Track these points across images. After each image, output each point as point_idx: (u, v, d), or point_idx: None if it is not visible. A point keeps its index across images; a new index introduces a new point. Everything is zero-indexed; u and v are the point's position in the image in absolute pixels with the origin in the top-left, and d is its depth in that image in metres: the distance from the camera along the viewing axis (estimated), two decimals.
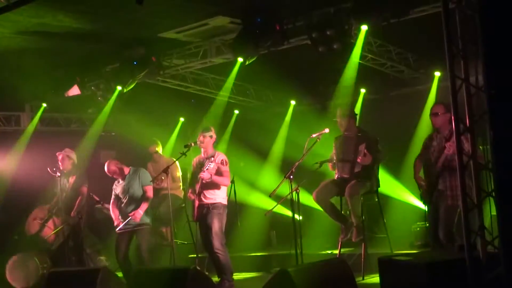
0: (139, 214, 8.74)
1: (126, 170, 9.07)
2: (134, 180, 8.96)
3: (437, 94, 10.29)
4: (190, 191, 8.55)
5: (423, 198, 7.56)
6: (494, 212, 5.40)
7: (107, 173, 9.05)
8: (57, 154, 9.98)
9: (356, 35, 8.69)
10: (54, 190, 10.06)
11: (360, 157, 8.03)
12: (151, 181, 8.98)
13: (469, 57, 5.34)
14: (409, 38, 9.61)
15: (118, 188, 9.06)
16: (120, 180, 9.06)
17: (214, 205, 8.18)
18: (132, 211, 8.76)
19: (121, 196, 8.98)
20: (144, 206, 8.81)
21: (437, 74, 10.27)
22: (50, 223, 9.98)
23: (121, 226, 8.81)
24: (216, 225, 8.13)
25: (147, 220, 8.88)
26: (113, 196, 9.11)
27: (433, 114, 7.48)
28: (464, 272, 5.00)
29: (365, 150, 8.02)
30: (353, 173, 8.22)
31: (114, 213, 9.02)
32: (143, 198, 8.87)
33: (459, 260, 5.15)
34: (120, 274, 8.95)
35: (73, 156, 10.07)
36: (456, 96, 5.26)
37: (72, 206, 9.76)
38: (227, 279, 8.23)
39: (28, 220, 10.31)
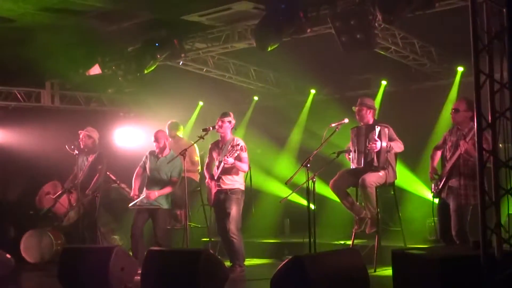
0: (154, 195, 8.82)
1: (167, 150, 9.16)
2: (167, 165, 9.01)
3: (459, 89, 10.24)
4: (208, 176, 8.59)
5: (433, 191, 7.55)
6: (511, 211, 5.37)
7: (155, 138, 9.11)
8: (79, 132, 10.05)
9: (380, 26, 8.65)
10: (73, 167, 10.13)
11: (370, 143, 8.02)
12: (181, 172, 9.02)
13: (495, 53, 5.28)
14: (433, 32, 9.54)
15: (148, 161, 9.12)
16: (155, 155, 9.13)
17: (232, 190, 8.30)
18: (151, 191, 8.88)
19: (148, 172, 9.06)
20: (164, 191, 8.89)
21: (460, 69, 10.20)
22: (63, 199, 10.04)
23: (135, 202, 8.92)
24: (234, 210, 8.25)
25: (165, 203, 8.94)
26: (141, 165, 9.19)
27: (453, 110, 7.42)
28: (478, 269, 4.97)
29: (376, 137, 8.01)
30: (367, 162, 8.20)
31: (135, 183, 9.16)
32: (166, 184, 8.93)
33: (473, 257, 5.11)
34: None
35: (95, 135, 10.14)
36: (479, 92, 5.21)
37: (88, 185, 9.84)
38: (239, 264, 8.28)
39: (39, 194, 10.38)
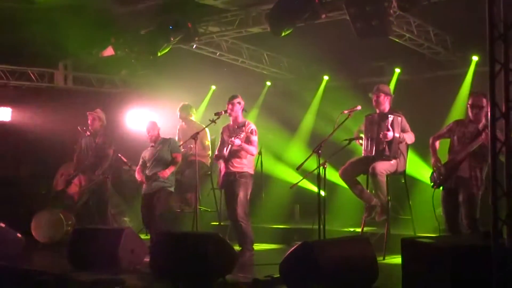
0: (167, 173, 8.86)
1: (159, 137, 9.17)
2: (163, 147, 9.06)
3: (473, 79, 10.16)
4: (216, 158, 8.60)
5: (434, 180, 7.51)
6: None
7: (147, 130, 9.16)
8: (87, 113, 10.07)
9: (396, 13, 8.59)
10: (74, 147, 10.15)
11: (382, 133, 7.97)
12: (180, 148, 9.07)
13: (511, 42, 5.22)
14: (449, 20, 9.47)
15: (146, 154, 9.17)
16: (150, 146, 9.16)
17: (241, 174, 8.28)
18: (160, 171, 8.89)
19: (148, 162, 9.09)
20: (172, 168, 8.94)
21: (475, 58, 10.13)
22: (76, 180, 10.08)
23: (146, 187, 8.92)
24: (242, 194, 8.23)
25: (170, 184, 8.97)
26: (140, 162, 9.23)
27: (476, 106, 7.28)
28: (488, 259, 4.95)
29: (389, 126, 7.97)
30: (378, 151, 8.17)
31: (138, 174, 9.15)
32: (172, 162, 8.99)
33: (484, 247, 5.09)
34: (142, 236, 9.04)
35: (103, 117, 10.15)
36: (494, 80, 5.16)
37: (97, 166, 9.86)
38: (248, 249, 8.30)
39: (56, 177, 10.42)
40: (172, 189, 9.12)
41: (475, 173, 7.23)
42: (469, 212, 7.18)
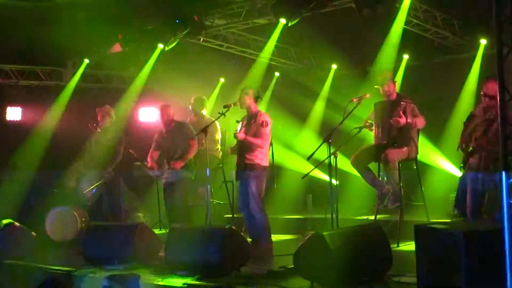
0: (180, 164, 8.83)
1: (173, 123, 9.19)
2: (179, 134, 9.04)
3: (481, 62, 10.12)
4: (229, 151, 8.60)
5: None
6: None
7: (160, 115, 9.20)
8: (96, 110, 10.09)
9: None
10: (86, 144, 10.17)
11: (394, 118, 7.91)
12: (195, 135, 9.06)
13: None
14: (455, 5, 9.43)
15: (160, 139, 9.16)
16: (163, 131, 9.18)
17: (252, 166, 8.04)
18: (173, 161, 8.89)
19: (164, 148, 9.09)
20: (187, 157, 8.90)
21: (483, 42, 10.07)
22: (87, 178, 10.10)
23: (161, 175, 8.95)
24: (253, 188, 7.98)
25: (188, 174, 8.97)
26: (153, 146, 9.23)
27: (492, 97, 6.91)
28: (501, 243, 4.93)
29: (401, 112, 7.93)
30: (390, 138, 8.14)
31: (150, 159, 9.25)
32: (187, 150, 8.96)
33: (496, 231, 5.07)
34: (156, 231, 9.07)
35: (112, 113, 10.18)
36: (502, 64, 5.13)
37: (108, 162, 9.88)
38: (267, 241, 8.16)
39: (67, 174, 10.44)
40: (189, 175, 9.08)
41: (487, 163, 6.93)
42: (471, 203, 7.01)
